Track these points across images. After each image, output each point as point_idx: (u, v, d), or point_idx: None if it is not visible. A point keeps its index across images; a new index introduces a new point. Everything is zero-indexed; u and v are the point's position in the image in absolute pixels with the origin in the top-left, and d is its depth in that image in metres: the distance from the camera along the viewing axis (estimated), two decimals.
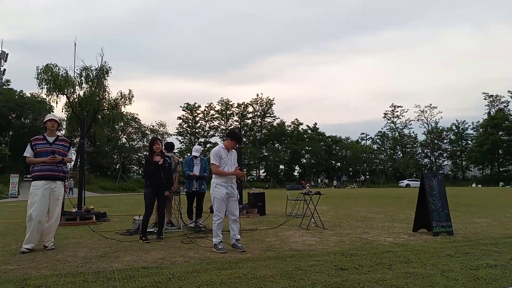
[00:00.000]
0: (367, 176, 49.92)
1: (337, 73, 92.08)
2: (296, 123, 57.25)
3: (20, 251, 5.10)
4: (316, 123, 58.22)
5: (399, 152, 57.80)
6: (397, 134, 57.82)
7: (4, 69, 36.52)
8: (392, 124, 57.85)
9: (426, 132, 56.36)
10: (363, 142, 58.34)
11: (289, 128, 57.08)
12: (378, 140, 59.08)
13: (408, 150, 57.34)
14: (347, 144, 57.48)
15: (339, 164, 57.25)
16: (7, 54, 36.84)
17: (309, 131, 57.65)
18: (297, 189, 10.57)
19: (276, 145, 55.87)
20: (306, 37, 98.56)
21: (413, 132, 57.66)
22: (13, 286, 3.41)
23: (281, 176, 53.44)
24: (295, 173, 57.04)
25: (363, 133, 58.30)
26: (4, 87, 39.53)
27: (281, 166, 55.34)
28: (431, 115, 55.85)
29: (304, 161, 56.90)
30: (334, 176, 48.48)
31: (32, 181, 5.34)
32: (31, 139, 5.50)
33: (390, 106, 57.69)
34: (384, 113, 57.49)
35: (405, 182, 42.96)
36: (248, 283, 3.41)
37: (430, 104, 55.69)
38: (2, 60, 36.15)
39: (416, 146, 57.77)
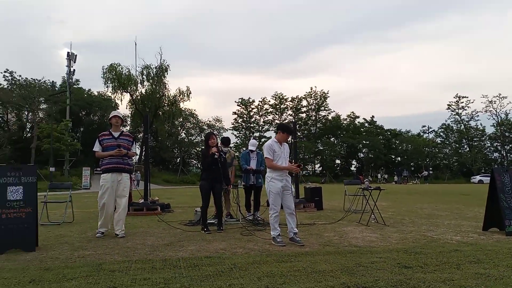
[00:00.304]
0: (431, 171, 47.39)
1: (395, 63, 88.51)
2: (352, 116, 55.82)
3: (96, 235, 5.62)
4: (373, 116, 56.40)
5: (465, 146, 54.08)
6: (462, 126, 54.12)
7: (74, 70, 39.44)
8: (457, 116, 54.15)
9: (495, 124, 52.04)
10: (425, 135, 55.45)
11: (345, 122, 55.81)
12: (441, 133, 55.75)
13: (476, 143, 53.40)
14: (408, 137, 54.97)
15: (399, 158, 54.95)
16: (76, 55, 39.73)
17: (366, 124, 55.94)
18: (355, 184, 10.35)
19: (331, 139, 54.93)
20: (361, 26, 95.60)
21: (481, 124, 53.52)
22: (90, 269, 3.73)
23: (337, 171, 52.50)
24: (352, 168, 55.74)
25: (425, 126, 55.35)
26: (74, 86, 42.72)
27: (337, 161, 54.32)
28: (501, 106, 51.29)
29: (362, 155, 55.39)
30: (394, 171, 46.64)
31: (102, 173, 5.80)
32: (99, 134, 5.97)
33: (454, 97, 54.00)
34: (448, 105, 53.97)
35: (478, 178, 40.06)
36: (307, 277, 3.43)
37: (499, 94, 51.05)
38: (71, 61, 39.04)
39: (484, 139, 53.61)
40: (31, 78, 37.55)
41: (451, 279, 3.35)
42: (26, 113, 40.58)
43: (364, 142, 52.14)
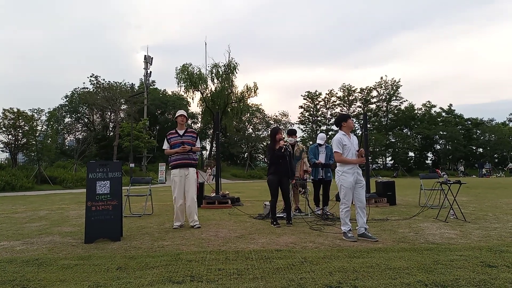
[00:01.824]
0: None
1: (477, 46, 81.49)
2: (428, 105, 52.45)
3: (173, 227, 6.01)
4: (451, 105, 52.55)
5: None
6: None
7: (150, 72, 42.02)
8: None
9: None
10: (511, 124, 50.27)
11: (419, 112, 52.62)
12: None
13: None
14: (491, 126, 50.29)
15: (481, 150, 50.58)
16: (152, 58, 42.25)
17: (443, 113, 52.26)
18: (431, 177, 9.77)
19: (404, 131, 52.16)
20: (438, 7, 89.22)
21: None
22: (170, 258, 3.99)
23: (411, 164, 49.80)
24: (428, 161, 52.48)
25: None
26: (150, 87, 45.50)
27: (411, 153, 51.44)
28: None
29: (438, 147, 51.90)
30: (476, 163, 43.04)
31: (171, 169, 6.21)
32: (167, 133, 6.41)
33: None
34: None
35: None
36: (381, 273, 3.34)
37: None
38: (148, 64, 41.62)
39: None
40: (113, 81, 40.77)
41: None
42: (109, 113, 44.13)
43: (441, 133, 48.72)
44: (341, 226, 5.12)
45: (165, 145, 6.28)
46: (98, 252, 4.37)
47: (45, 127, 26.91)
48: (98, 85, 40.17)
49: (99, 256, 4.15)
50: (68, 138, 45.64)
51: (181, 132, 6.26)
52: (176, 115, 6.41)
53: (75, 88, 44.46)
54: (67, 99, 44.74)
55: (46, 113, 26.75)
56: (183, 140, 6.13)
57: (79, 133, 45.01)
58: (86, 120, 47.01)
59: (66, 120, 45.25)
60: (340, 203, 5.15)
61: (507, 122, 51.07)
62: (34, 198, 13.83)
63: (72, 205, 10.50)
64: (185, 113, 6.42)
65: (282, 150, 6.24)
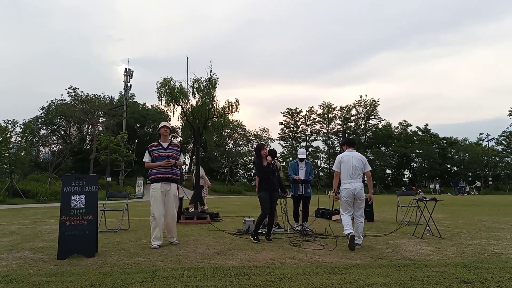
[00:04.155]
0: (490, 182, 44.21)
1: (451, 68, 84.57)
2: (404, 124, 53.74)
3: (152, 247, 5.62)
4: (427, 124, 53.98)
5: None
6: None
7: (130, 85, 41.72)
8: None
9: None
10: (484, 143, 51.97)
11: (396, 130, 53.84)
12: (503, 141, 52.00)
13: None
14: (465, 146, 51.86)
15: (455, 168, 51.95)
16: (132, 71, 42.02)
17: (419, 132, 53.62)
18: (408, 195, 9.94)
19: (382, 149, 53.15)
20: (414, 30, 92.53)
21: None
22: (146, 275, 3.89)
23: (388, 181, 50.63)
24: (405, 178, 53.49)
25: (482, 133, 51.93)
26: (130, 100, 45.05)
27: (388, 171, 52.34)
28: None
29: (415, 165, 53.03)
30: (451, 181, 44.11)
31: (151, 183, 5.92)
32: (148, 145, 6.14)
33: None
34: (510, 110, 50.37)
35: None
36: None
37: None
38: (128, 77, 41.31)
39: None
40: (92, 94, 40.11)
41: None
42: (87, 126, 43.33)
43: (417, 151, 49.89)
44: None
45: (146, 158, 5.98)
46: (71, 269, 4.22)
47: (19, 139, 26.13)
48: (76, 97, 39.47)
49: (72, 273, 4.01)
50: (43, 150, 44.44)
51: (164, 144, 6.03)
52: (159, 127, 6.19)
53: (52, 100, 43.53)
54: (44, 110, 43.69)
55: (21, 124, 25.92)
56: (168, 154, 5.91)
57: (54, 145, 43.86)
58: (62, 133, 45.93)
59: (42, 132, 44.09)
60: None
61: (479, 142, 52.76)
62: (5, 212, 13.32)
63: (45, 220, 10.16)
64: (168, 124, 6.22)
65: (271, 166, 6.28)
